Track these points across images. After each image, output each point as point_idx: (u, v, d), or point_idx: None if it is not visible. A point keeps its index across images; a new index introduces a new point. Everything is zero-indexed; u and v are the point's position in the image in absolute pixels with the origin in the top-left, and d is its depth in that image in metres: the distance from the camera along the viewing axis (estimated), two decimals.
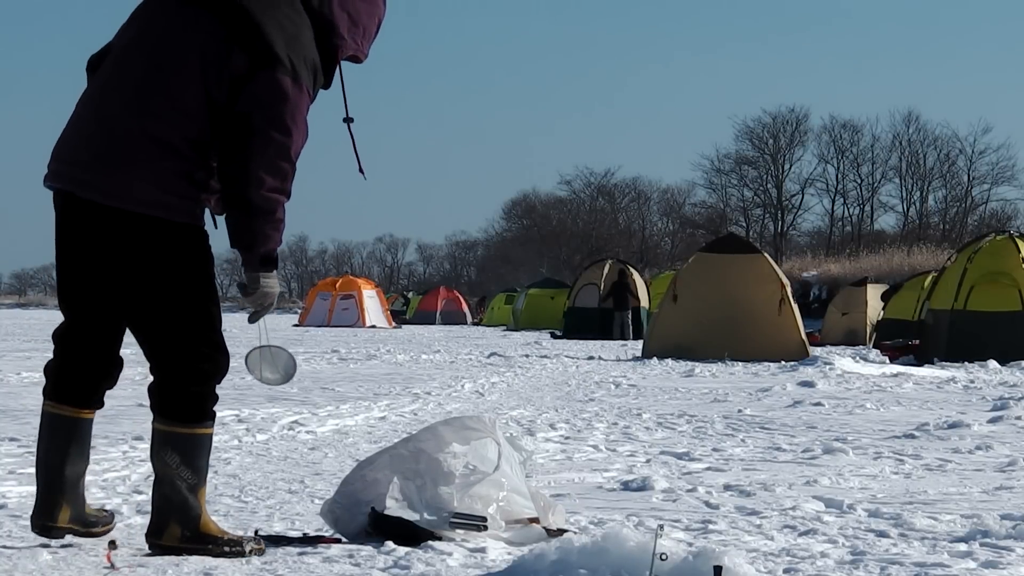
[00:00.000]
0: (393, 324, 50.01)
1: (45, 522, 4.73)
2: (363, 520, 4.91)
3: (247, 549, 4.68)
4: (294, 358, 5.11)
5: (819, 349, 23.65)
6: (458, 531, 4.88)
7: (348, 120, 4.90)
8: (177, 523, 4.66)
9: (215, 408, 4.77)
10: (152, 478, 4.78)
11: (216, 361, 4.71)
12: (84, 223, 4.64)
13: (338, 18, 4.80)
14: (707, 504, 6.06)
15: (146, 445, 8.02)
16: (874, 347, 25.07)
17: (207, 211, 4.77)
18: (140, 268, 4.63)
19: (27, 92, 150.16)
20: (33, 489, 6.24)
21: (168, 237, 4.62)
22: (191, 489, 4.66)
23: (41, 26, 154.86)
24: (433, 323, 60.08)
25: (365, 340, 31.25)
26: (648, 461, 7.72)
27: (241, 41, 4.58)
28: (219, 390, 4.80)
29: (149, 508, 5.67)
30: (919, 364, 19.46)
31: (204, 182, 4.67)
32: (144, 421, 9.24)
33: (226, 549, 4.65)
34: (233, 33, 4.59)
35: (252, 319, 4.87)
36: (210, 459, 4.81)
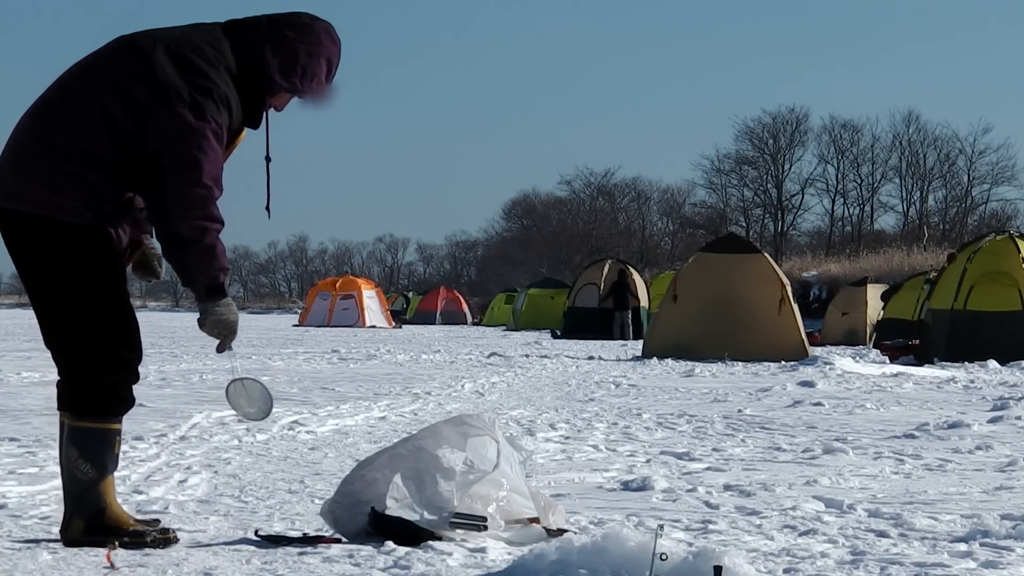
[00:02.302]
0: (393, 324, 50.01)
1: (63, 533, 4.86)
2: (363, 520, 4.91)
3: (148, 539, 4.79)
4: (268, 390, 5.16)
5: (819, 349, 23.66)
6: (458, 531, 4.88)
7: (267, 159, 5.09)
8: (79, 516, 4.79)
9: (121, 405, 4.82)
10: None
11: (109, 359, 4.78)
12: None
13: (268, 61, 4.91)
14: (707, 504, 6.06)
15: (146, 445, 8.04)
16: (874, 347, 25.07)
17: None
18: (32, 266, 4.81)
19: (27, 92, 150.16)
20: (32, 489, 6.27)
21: (59, 237, 4.75)
22: (91, 483, 4.78)
23: (39, 24, 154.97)
24: (433, 323, 60.09)
25: (365, 340, 31.26)
26: (648, 461, 7.72)
27: (146, 77, 4.74)
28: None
29: (150, 508, 5.70)
30: (919, 364, 19.46)
31: (102, 193, 4.74)
32: (144, 421, 9.26)
33: (126, 540, 4.76)
34: (142, 68, 4.75)
35: (218, 349, 4.96)
36: (118, 452, 4.86)
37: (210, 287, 4.82)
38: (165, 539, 4.84)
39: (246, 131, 5.00)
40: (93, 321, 4.79)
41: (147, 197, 4.80)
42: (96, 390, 4.79)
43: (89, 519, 4.79)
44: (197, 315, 4.95)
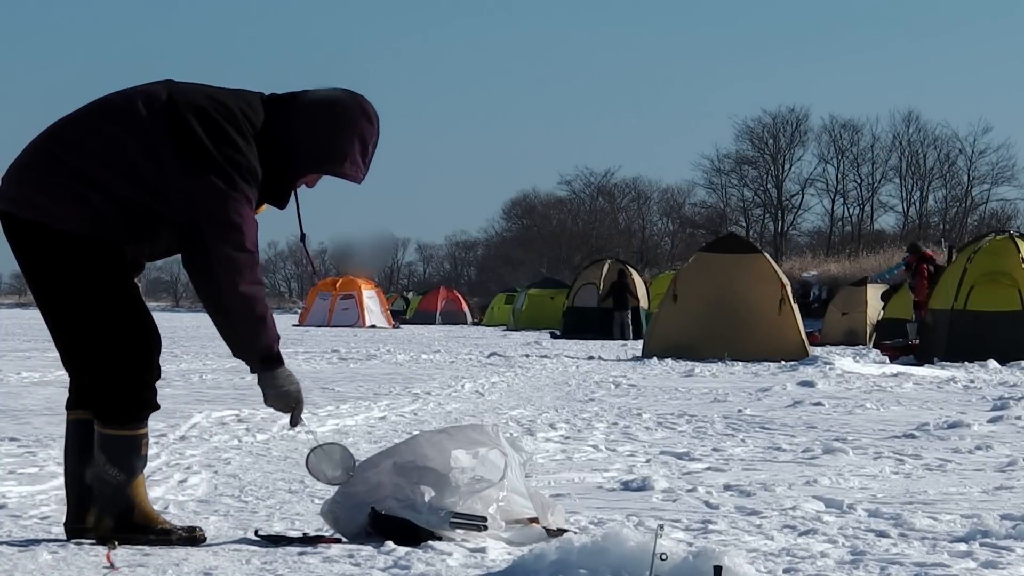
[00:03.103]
0: (393, 324, 50.02)
1: (74, 525, 4.88)
2: (363, 520, 4.91)
3: (174, 538, 4.82)
4: (348, 449, 5.09)
5: (819, 349, 23.66)
6: (458, 531, 4.88)
7: (302, 236, 5.06)
8: (109, 515, 4.81)
9: (146, 409, 4.82)
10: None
11: (119, 367, 4.77)
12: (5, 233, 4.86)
13: (301, 141, 4.86)
14: (707, 504, 6.06)
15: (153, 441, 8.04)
16: (874, 347, 25.07)
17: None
18: (30, 272, 4.81)
19: (26, 92, 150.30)
20: (32, 489, 6.27)
21: (52, 244, 4.72)
22: (120, 485, 4.80)
23: (38, 25, 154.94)
24: (433, 323, 60.09)
25: (365, 340, 31.26)
26: (648, 461, 7.71)
27: (174, 136, 4.71)
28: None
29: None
30: (919, 364, 19.46)
31: (108, 216, 4.71)
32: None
33: (152, 538, 4.80)
34: (172, 127, 4.72)
35: (292, 424, 4.94)
36: (145, 454, 4.86)
37: (266, 358, 4.79)
38: (192, 538, 4.86)
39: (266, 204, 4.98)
40: (100, 329, 4.76)
41: (190, 268, 4.78)
42: (120, 398, 4.78)
43: (118, 517, 4.82)
44: (258, 388, 4.86)
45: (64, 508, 4.97)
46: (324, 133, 4.87)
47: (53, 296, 4.79)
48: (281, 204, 4.93)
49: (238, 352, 4.83)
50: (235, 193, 4.70)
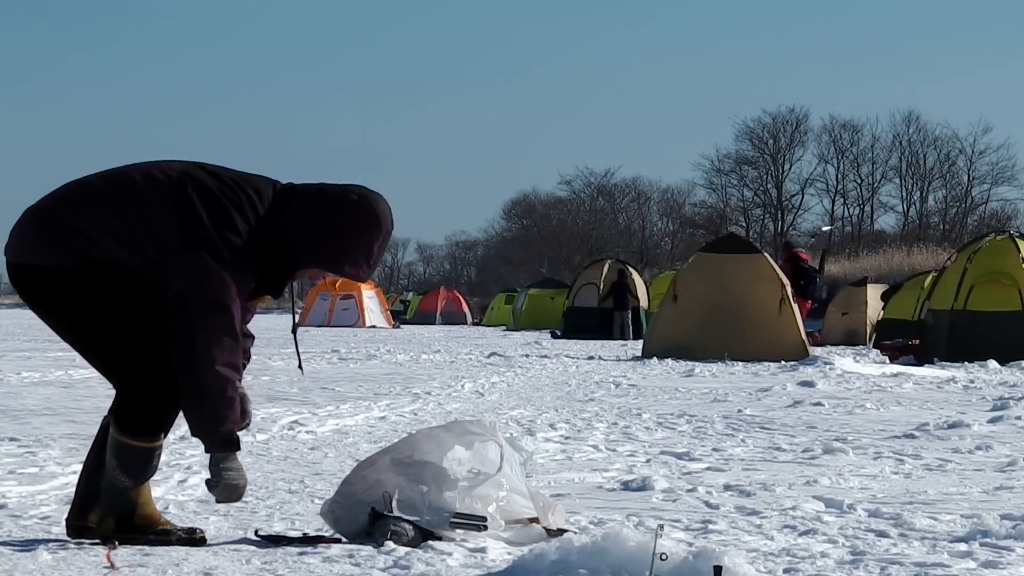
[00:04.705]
0: (393, 324, 50.02)
1: (76, 522, 4.89)
2: (363, 520, 4.91)
3: (173, 538, 4.84)
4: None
5: (819, 349, 23.65)
6: (458, 531, 4.88)
7: (294, 329, 5.13)
8: (111, 516, 4.84)
9: (168, 424, 4.85)
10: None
11: (148, 381, 4.78)
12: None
13: (305, 237, 4.86)
14: (707, 504, 6.06)
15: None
16: (874, 347, 25.07)
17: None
18: (47, 314, 4.86)
19: (27, 91, 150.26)
20: (32, 489, 6.28)
21: (53, 281, 4.77)
22: (126, 490, 4.82)
23: (43, 24, 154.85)
24: (433, 323, 60.07)
25: (365, 340, 31.25)
26: (648, 461, 7.71)
27: (180, 216, 4.75)
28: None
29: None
30: (919, 364, 19.46)
31: (111, 254, 4.75)
32: None
33: (152, 538, 4.83)
34: (179, 208, 4.77)
35: (219, 502, 4.94)
36: (156, 464, 4.88)
37: (228, 441, 4.81)
38: (191, 539, 4.87)
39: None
40: (127, 348, 4.79)
41: (171, 337, 4.74)
42: (142, 410, 4.81)
43: (119, 518, 4.85)
44: (207, 469, 4.88)
45: (64, 508, 4.97)
46: (330, 235, 4.87)
47: (73, 329, 4.84)
48: (276, 293, 4.95)
49: (198, 430, 4.80)
50: (227, 274, 4.73)
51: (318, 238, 4.85)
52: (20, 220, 4.88)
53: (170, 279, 4.73)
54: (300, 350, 5.35)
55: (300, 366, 5.34)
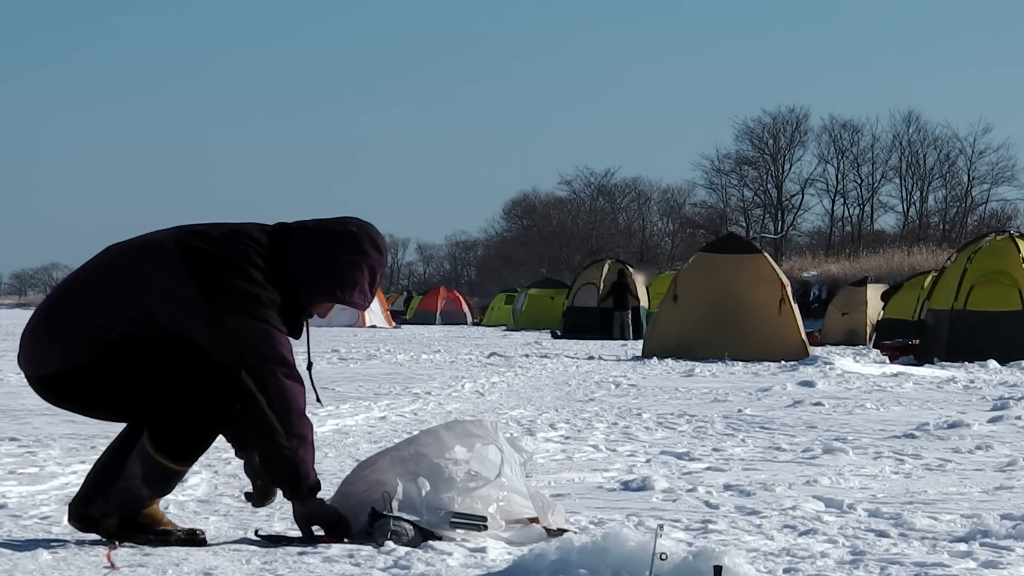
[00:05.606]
0: (393, 324, 50.01)
1: (79, 508, 4.91)
2: (364, 520, 4.91)
3: (172, 538, 4.86)
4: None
5: (819, 349, 23.66)
6: (458, 531, 4.88)
7: (309, 366, 5.10)
8: (115, 515, 4.84)
9: (194, 453, 4.87)
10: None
11: (181, 411, 4.80)
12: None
13: (309, 271, 4.93)
14: (707, 504, 6.06)
15: None
16: (874, 347, 25.07)
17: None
18: (82, 406, 4.90)
19: (26, 91, 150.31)
20: (32, 489, 6.28)
21: (79, 381, 4.80)
22: (141, 498, 4.85)
23: (40, 25, 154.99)
24: (433, 323, 60.08)
25: (365, 340, 31.26)
26: (648, 461, 7.72)
27: (193, 280, 4.77)
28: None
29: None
30: (919, 364, 19.46)
31: (125, 335, 4.79)
32: None
33: (151, 537, 4.85)
34: (189, 274, 4.78)
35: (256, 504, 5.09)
36: (176, 483, 4.92)
37: (314, 486, 4.92)
38: (191, 540, 4.88)
39: None
40: (160, 398, 4.81)
41: (245, 413, 4.79)
42: (182, 437, 4.83)
43: (123, 517, 4.86)
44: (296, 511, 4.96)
45: (64, 508, 4.97)
46: (334, 265, 4.94)
47: (112, 409, 4.88)
48: (296, 334, 4.98)
49: (286, 483, 4.89)
50: (270, 327, 4.79)
51: (319, 270, 4.93)
52: (26, 334, 4.90)
53: (214, 351, 4.76)
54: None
55: (318, 399, 5.37)
